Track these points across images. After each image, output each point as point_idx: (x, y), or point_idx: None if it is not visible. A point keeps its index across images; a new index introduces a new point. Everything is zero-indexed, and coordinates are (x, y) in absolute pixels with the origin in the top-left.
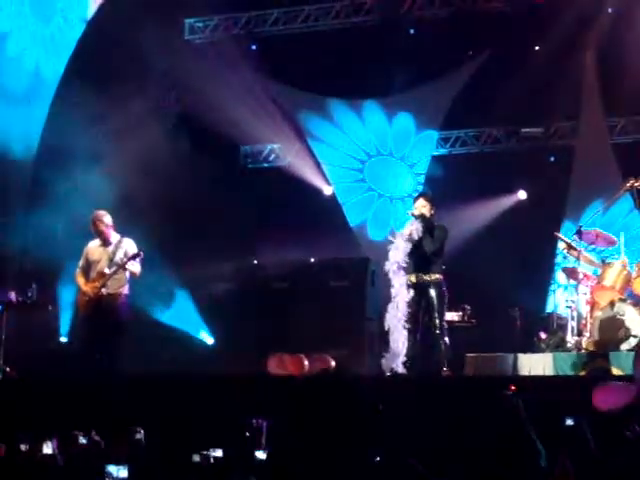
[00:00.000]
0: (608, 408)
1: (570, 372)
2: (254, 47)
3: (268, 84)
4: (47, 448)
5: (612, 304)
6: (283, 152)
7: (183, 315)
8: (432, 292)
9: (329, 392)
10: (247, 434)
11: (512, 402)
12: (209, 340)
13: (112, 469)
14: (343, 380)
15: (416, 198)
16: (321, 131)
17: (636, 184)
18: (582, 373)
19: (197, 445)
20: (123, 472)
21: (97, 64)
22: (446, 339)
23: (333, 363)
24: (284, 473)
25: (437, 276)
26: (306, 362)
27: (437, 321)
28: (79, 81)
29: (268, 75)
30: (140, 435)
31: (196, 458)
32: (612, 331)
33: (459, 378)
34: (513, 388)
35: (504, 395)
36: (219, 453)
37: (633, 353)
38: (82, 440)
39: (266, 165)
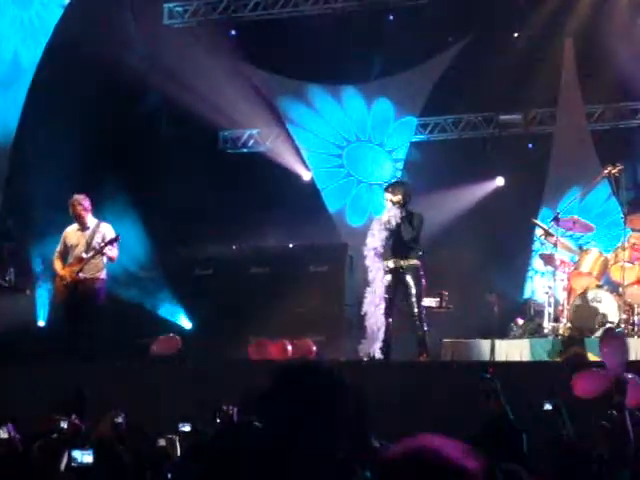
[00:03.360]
0: (588, 395)
1: (547, 358)
2: (233, 32)
3: (247, 69)
4: (3, 433)
5: (589, 290)
6: (262, 137)
7: (162, 300)
8: (410, 278)
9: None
10: (217, 420)
11: (491, 385)
12: (187, 325)
13: (77, 454)
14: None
15: (392, 186)
16: (300, 116)
17: (614, 171)
18: (558, 359)
19: (168, 429)
20: (88, 457)
21: (75, 50)
22: (425, 324)
23: (315, 348)
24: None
25: (415, 262)
26: (289, 347)
27: (415, 306)
28: (56, 67)
29: (247, 60)
30: (121, 419)
31: (162, 442)
32: (588, 317)
33: (436, 363)
34: (491, 370)
35: (483, 378)
36: (187, 428)
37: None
38: (63, 424)
39: (245, 150)
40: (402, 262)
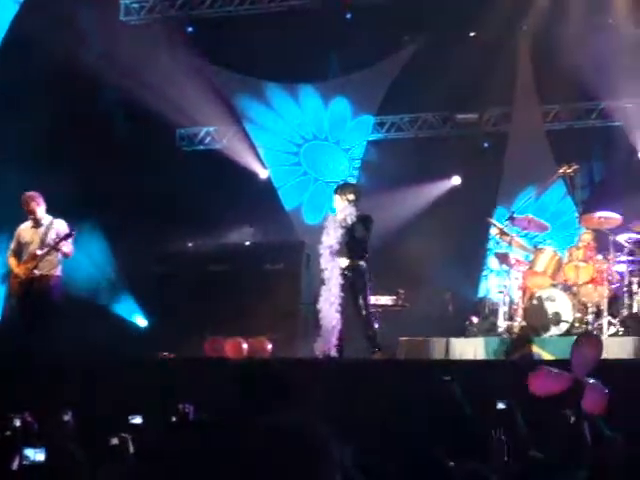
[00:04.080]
0: (542, 393)
1: (501, 356)
2: (190, 29)
3: (204, 67)
4: None
5: (543, 289)
6: (219, 135)
7: (117, 298)
8: (355, 278)
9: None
10: (173, 419)
11: (449, 387)
12: (143, 323)
13: (29, 452)
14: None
15: (341, 187)
16: (257, 114)
17: (569, 171)
18: (513, 357)
19: (121, 429)
20: (40, 455)
21: (32, 46)
22: (373, 324)
23: (270, 346)
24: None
25: (362, 263)
26: (245, 345)
27: (362, 307)
28: (12, 64)
29: (204, 58)
30: (68, 417)
31: (114, 441)
32: (543, 316)
33: (391, 361)
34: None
35: (441, 380)
36: (138, 420)
37: (566, 338)
38: (16, 422)
39: (202, 148)
40: (354, 261)
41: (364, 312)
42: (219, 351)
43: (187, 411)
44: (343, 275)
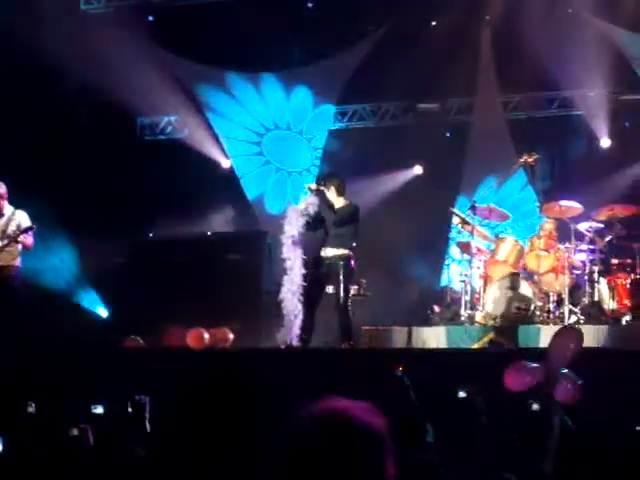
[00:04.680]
0: (519, 389)
1: (463, 345)
2: (151, 18)
3: (165, 56)
4: None
5: (505, 278)
6: (180, 124)
7: (78, 288)
8: (338, 266)
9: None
10: (130, 410)
11: (402, 382)
12: (103, 313)
13: None
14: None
15: (325, 178)
16: (219, 104)
17: (530, 160)
18: (475, 346)
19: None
20: None
21: None
22: (350, 314)
23: (232, 336)
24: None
25: (343, 251)
26: (206, 335)
27: (342, 296)
28: None
29: (165, 47)
30: (32, 408)
31: (74, 432)
32: (504, 305)
33: (354, 350)
34: (401, 369)
35: (394, 375)
36: (100, 410)
37: (527, 327)
38: None
39: (163, 137)
40: (330, 251)
41: (342, 301)
42: (181, 341)
43: (143, 402)
44: (317, 263)
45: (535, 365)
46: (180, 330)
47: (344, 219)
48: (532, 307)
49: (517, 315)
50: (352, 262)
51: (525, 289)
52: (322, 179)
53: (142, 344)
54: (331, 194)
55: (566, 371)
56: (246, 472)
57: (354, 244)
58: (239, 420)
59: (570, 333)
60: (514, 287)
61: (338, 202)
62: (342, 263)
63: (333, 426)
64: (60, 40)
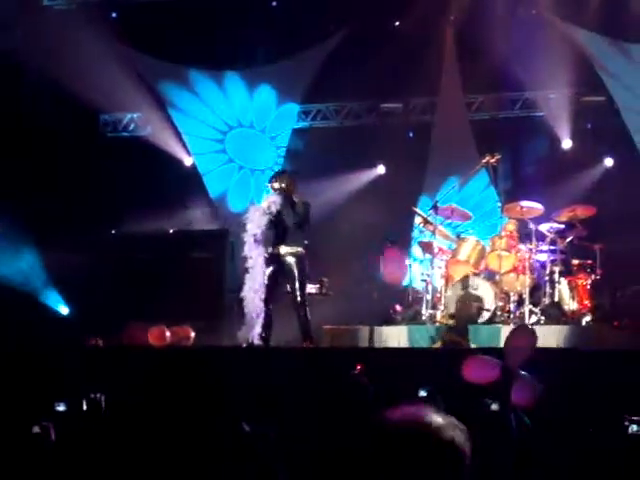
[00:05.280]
0: (474, 381)
1: (424, 344)
2: (114, 15)
3: (128, 52)
4: None
5: (466, 278)
6: (143, 121)
7: (40, 285)
8: (292, 265)
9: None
10: (85, 408)
11: (359, 382)
12: (65, 310)
13: None
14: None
15: (276, 175)
16: (182, 101)
17: (492, 161)
18: (436, 345)
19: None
20: None
21: None
22: (307, 311)
23: (193, 334)
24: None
25: (298, 249)
26: (167, 333)
27: (298, 293)
28: None
29: (128, 43)
30: None
31: (36, 429)
32: (465, 305)
33: (314, 350)
34: (359, 368)
35: (352, 375)
36: (62, 407)
37: (488, 327)
38: None
39: (126, 134)
40: (285, 249)
41: (299, 299)
42: (142, 339)
43: (98, 400)
44: (270, 263)
45: (493, 360)
46: (142, 328)
47: (302, 217)
48: (492, 307)
49: (477, 315)
50: (306, 259)
51: (485, 289)
52: (274, 177)
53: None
54: (278, 189)
55: (525, 374)
56: (206, 470)
57: (306, 242)
58: (199, 418)
59: (524, 332)
60: (475, 287)
61: (270, 200)
62: (297, 260)
63: (419, 434)
64: (22, 36)
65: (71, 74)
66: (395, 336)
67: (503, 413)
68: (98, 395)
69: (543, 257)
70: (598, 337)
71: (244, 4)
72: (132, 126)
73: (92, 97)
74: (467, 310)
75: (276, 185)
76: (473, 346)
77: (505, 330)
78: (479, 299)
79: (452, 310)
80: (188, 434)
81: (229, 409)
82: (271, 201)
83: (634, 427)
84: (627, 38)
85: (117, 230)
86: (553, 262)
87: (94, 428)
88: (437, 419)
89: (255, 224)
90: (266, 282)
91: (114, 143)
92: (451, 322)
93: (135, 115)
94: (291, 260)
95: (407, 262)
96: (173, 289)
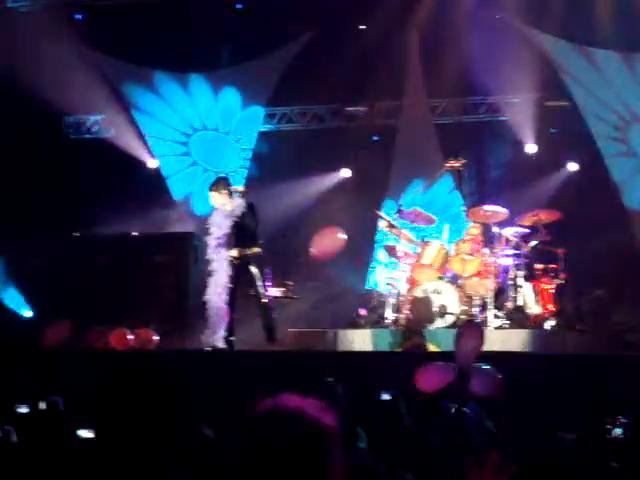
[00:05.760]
0: (431, 389)
1: (388, 348)
2: (79, 16)
3: (93, 54)
4: None
5: (430, 282)
6: (107, 123)
7: (2, 287)
8: (254, 267)
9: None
10: (44, 408)
11: (333, 390)
12: (28, 313)
13: None
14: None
15: (215, 184)
16: (146, 103)
17: (456, 165)
18: (400, 349)
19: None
20: None
21: None
22: (272, 312)
23: (156, 337)
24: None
25: (258, 250)
26: (130, 336)
27: (262, 295)
28: None
29: (93, 45)
30: None
31: None
32: (429, 308)
33: (280, 353)
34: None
35: (325, 383)
36: (24, 409)
37: (452, 330)
38: None
39: (89, 136)
40: (246, 251)
41: (263, 300)
42: (104, 342)
43: (57, 402)
44: (233, 266)
45: (445, 364)
46: (104, 331)
47: (253, 219)
48: (455, 311)
49: (441, 319)
50: (263, 260)
51: (450, 293)
52: (214, 185)
53: (66, 331)
54: (224, 197)
55: (483, 366)
56: (166, 473)
57: (261, 242)
58: (161, 422)
59: (471, 329)
60: (439, 291)
61: (234, 203)
62: (257, 262)
63: (286, 423)
64: None
65: (35, 76)
66: (359, 339)
67: (462, 414)
68: (56, 398)
69: (507, 261)
70: (561, 341)
71: (209, 6)
72: (96, 128)
73: (56, 99)
74: (423, 312)
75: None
76: (437, 349)
77: None
78: (441, 302)
79: (415, 313)
80: (149, 438)
81: (192, 413)
82: (235, 204)
83: (617, 431)
84: (591, 43)
85: (80, 232)
86: (517, 266)
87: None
88: (303, 403)
89: (219, 227)
90: (230, 285)
91: (77, 145)
92: (411, 325)
93: (99, 117)
94: (254, 263)
95: (341, 235)
96: (136, 292)
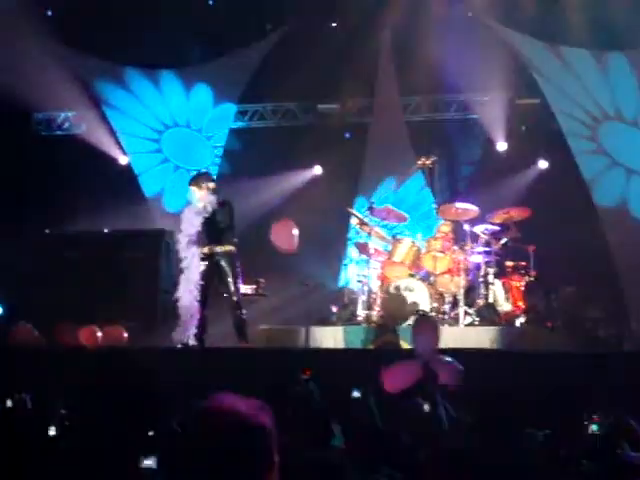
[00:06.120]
0: (398, 389)
1: (360, 345)
2: (50, 12)
3: (64, 50)
4: None
5: (401, 279)
6: (78, 120)
7: None
8: (225, 264)
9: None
10: (9, 405)
11: (306, 387)
12: None
13: None
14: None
15: (196, 179)
16: (117, 100)
17: (427, 162)
18: (371, 346)
19: None
20: None
21: None
22: (243, 310)
23: (126, 335)
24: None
25: (230, 248)
26: (99, 333)
27: (233, 292)
28: None
29: (63, 42)
30: None
31: None
32: (401, 305)
33: (252, 350)
34: (308, 373)
35: (299, 380)
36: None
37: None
38: None
39: (60, 133)
40: (217, 248)
41: (234, 298)
42: (72, 339)
43: (24, 399)
44: (204, 263)
45: (409, 362)
46: (72, 328)
47: (228, 216)
48: (428, 308)
49: (412, 316)
50: (237, 258)
51: (421, 290)
52: (195, 180)
53: (32, 332)
54: (204, 192)
55: (443, 358)
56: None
57: (235, 240)
58: (130, 420)
59: (427, 324)
60: (410, 288)
61: (205, 200)
62: (230, 260)
63: (219, 421)
64: None
65: (4, 71)
66: (331, 337)
67: (432, 409)
68: (24, 395)
69: (478, 258)
70: (531, 338)
71: (181, 2)
72: (66, 124)
73: (26, 95)
74: (396, 309)
75: (211, 185)
76: (408, 347)
77: (441, 331)
78: (412, 299)
79: (387, 310)
80: (118, 435)
81: (162, 410)
82: (207, 201)
83: (594, 427)
84: (562, 41)
85: (52, 229)
86: (487, 263)
87: (20, 428)
88: (242, 405)
89: (190, 224)
90: (201, 282)
91: (48, 142)
92: (391, 323)
93: (70, 114)
94: (225, 260)
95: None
96: (107, 289)
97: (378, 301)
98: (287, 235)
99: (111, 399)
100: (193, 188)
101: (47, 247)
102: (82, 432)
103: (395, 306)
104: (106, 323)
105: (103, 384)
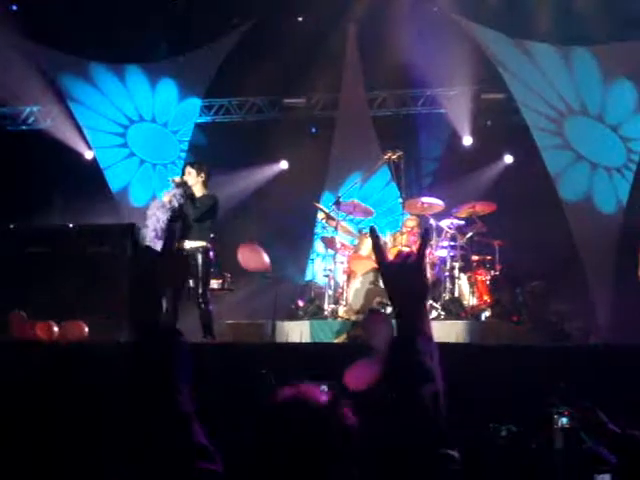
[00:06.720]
0: (363, 386)
1: (326, 339)
2: (14, 7)
3: (28, 45)
4: None
5: (368, 273)
6: (43, 115)
7: None
8: (196, 259)
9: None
10: None
11: (267, 380)
12: None
13: None
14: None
15: (194, 165)
16: (82, 94)
17: (394, 157)
18: (338, 340)
19: None
20: None
21: None
22: (210, 306)
23: (87, 329)
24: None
25: (202, 243)
26: (55, 328)
27: (200, 288)
28: None
29: (28, 36)
30: None
31: None
32: (367, 299)
33: (217, 345)
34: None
35: (260, 374)
36: None
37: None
38: None
39: (25, 128)
40: (188, 244)
41: (200, 292)
42: (29, 333)
43: None
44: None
45: (370, 359)
46: (27, 322)
47: (206, 211)
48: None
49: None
50: (211, 254)
51: None
52: (195, 165)
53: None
54: (198, 183)
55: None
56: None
57: (212, 235)
58: (89, 416)
59: (378, 317)
60: (376, 282)
61: (201, 193)
62: (201, 256)
63: (304, 408)
64: None
65: None
66: (297, 331)
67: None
68: None
69: (443, 253)
70: (497, 332)
71: None
72: (31, 119)
73: None
74: (363, 303)
75: (177, 179)
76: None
77: None
78: (379, 293)
79: (356, 305)
80: (74, 432)
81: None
82: (172, 195)
83: (563, 420)
84: (527, 36)
85: (16, 224)
86: (453, 258)
87: None
88: (323, 396)
89: (155, 219)
90: None
91: (13, 137)
92: (354, 317)
93: (35, 108)
94: (194, 255)
95: (262, 250)
96: (71, 284)
97: (345, 295)
98: (256, 257)
99: (66, 395)
100: (190, 169)
101: (12, 242)
102: (35, 428)
103: (361, 300)
104: (70, 318)
105: (57, 379)
